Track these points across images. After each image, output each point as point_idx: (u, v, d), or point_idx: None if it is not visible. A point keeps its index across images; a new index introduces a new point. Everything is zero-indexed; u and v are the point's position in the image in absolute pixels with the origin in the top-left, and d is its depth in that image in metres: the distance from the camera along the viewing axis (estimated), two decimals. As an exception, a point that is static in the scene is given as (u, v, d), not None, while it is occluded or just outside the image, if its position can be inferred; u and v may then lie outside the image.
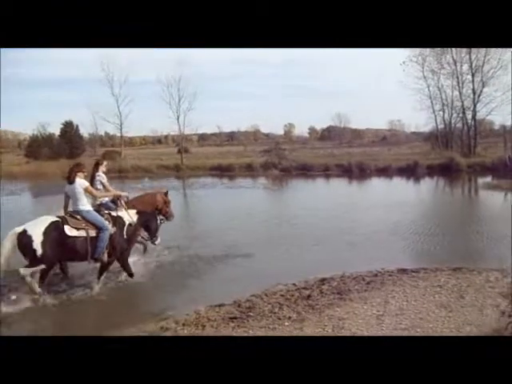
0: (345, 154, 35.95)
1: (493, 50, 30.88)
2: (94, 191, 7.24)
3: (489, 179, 21.83)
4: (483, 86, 31.67)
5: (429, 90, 33.74)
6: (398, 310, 5.60)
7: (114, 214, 7.21)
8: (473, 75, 31.89)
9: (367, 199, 17.49)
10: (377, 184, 24.16)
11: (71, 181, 6.85)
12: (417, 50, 33.24)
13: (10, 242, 6.34)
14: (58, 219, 6.60)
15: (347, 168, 27.90)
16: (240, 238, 10.30)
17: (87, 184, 6.99)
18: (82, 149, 44.59)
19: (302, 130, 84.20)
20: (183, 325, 5.52)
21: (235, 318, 5.69)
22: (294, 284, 6.95)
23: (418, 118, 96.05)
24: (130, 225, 7.24)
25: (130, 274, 7.27)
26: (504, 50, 30.07)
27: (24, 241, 6.32)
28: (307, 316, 5.61)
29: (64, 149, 41.27)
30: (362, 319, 5.36)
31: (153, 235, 7.67)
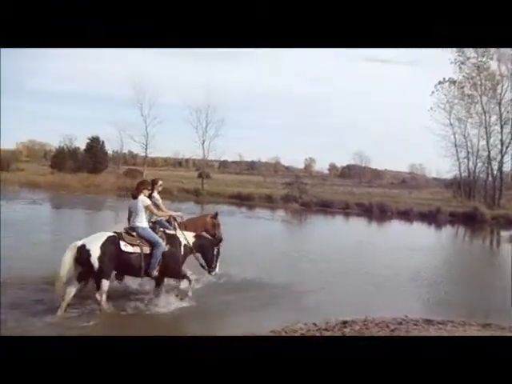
0: (365, 194, 35.81)
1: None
2: (155, 210, 7.41)
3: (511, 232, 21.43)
4: (512, 139, 31.48)
5: (454, 137, 33.79)
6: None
7: (169, 232, 7.48)
8: (501, 127, 31.79)
9: (387, 241, 17.25)
10: (397, 227, 23.89)
11: (135, 196, 7.20)
12: (445, 99, 33.42)
13: (69, 255, 6.62)
14: (114, 234, 6.89)
15: (368, 208, 27.71)
16: (258, 269, 10.15)
17: (149, 202, 7.26)
18: (106, 165, 45.12)
19: (322, 166, 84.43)
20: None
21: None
22: (315, 324, 6.75)
23: (440, 164, 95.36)
24: (185, 245, 7.46)
25: (185, 276, 7.51)
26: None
27: (83, 255, 6.60)
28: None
29: (88, 163, 41.82)
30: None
31: (209, 264, 7.76)
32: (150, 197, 7.68)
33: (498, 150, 32.14)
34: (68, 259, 6.61)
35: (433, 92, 33.96)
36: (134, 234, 7.04)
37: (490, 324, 7.03)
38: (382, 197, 32.60)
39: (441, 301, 8.81)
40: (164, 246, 7.15)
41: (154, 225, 7.47)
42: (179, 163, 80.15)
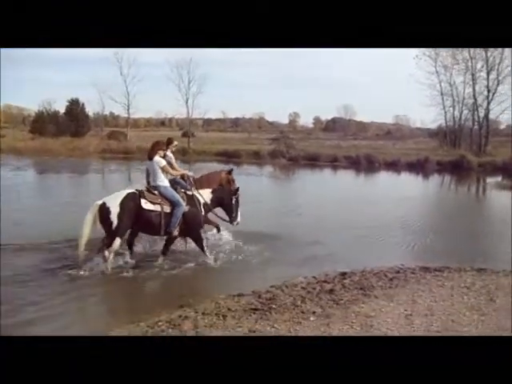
0: (351, 146, 35.79)
1: (507, 49, 30.60)
2: (170, 170, 7.49)
3: (499, 179, 21.69)
4: (498, 84, 31.46)
5: (440, 85, 33.61)
6: (426, 310, 5.44)
7: (189, 192, 7.56)
8: (488, 73, 31.62)
9: (375, 193, 17.35)
10: (385, 178, 24.03)
11: (150, 158, 7.26)
12: (431, 45, 32.94)
13: (91, 213, 6.81)
14: (135, 191, 7.02)
15: (355, 160, 27.76)
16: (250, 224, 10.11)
17: (164, 163, 7.29)
18: (88, 127, 44.24)
19: (306, 120, 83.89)
20: (203, 314, 5.36)
21: (256, 309, 5.54)
22: (314, 277, 6.79)
23: (425, 114, 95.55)
24: (204, 204, 7.61)
25: (204, 251, 7.53)
26: (522, 48, 29.89)
27: (103, 213, 6.76)
28: (332, 312, 5.45)
29: (69, 126, 40.90)
30: (390, 318, 5.19)
31: (230, 214, 7.93)
32: (164, 156, 7.66)
33: (484, 96, 32.13)
34: (90, 218, 6.80)
35: (418, 39, 33.43)
36: (156, 192, 7.16)
37: (485, 269, 7.16)
38: (368, 149, 32.62)
39: (432, 248, 8.90)
40: (185, 206, 7.26)
41: (175, 185, 7.57)
42: (162, 123, 78.92)
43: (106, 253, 6.83)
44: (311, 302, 5.74)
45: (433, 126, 38.61)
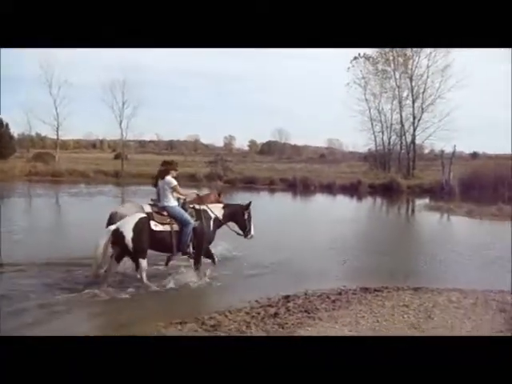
0: (287, 169, 36.38)
1: (431, 78, 32.93)
2: (181, 190, 7.61)
3: (427, 200, 22.85)
4: (422, 112, 33.61)
5: (370, 112, 35.30)
6: (370, 330, 5.51)
7: (198, 207, 7.77)
8: (413, 101, 33.68)
9: (313, 215, 17.64)
10: (321, 200, 24.56)
11: (162, 177, 7.50)
12: (360, 74, 34.62)
13: (105, 239, 7.03)
14: (145, 216, 7.23)
15: (292, 183, 28.22)
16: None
17: (175, 183, 7.46)
18: (13, 149, 41.79)
19: (241, 143, 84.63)
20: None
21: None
22: (257, 301, 6.72)
23: (357, 138, 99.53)
24: (216, 219, 7.84)
25: (214, 260, 7.97)
26: (443, 79, 32.29)
27: (118, 237, 7.01)
28: (278, 336, 5.36)
29: (-9, 148, 38.43)
30: (336, 340, 5.19)
31: (243, 229, 8.18)
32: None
33: (411, 122, 34.11)
34: (103, 243, 7.01)
35: (349, 68, 35.09)
36: (165, 213, 7.38)
37: (421, 287, 7.40)
38: (304, 172, 33.33)
39: (367, 268, 9.10)
40: (193, 222, 7.47)
41: (184, 203, 7.71)
42: (93, 145, 76.44)
43: (138, 274, 7.22)
44: (256, 327, 5.65)
45: (364, 149, 40.33)
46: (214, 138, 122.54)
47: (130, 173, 32.13)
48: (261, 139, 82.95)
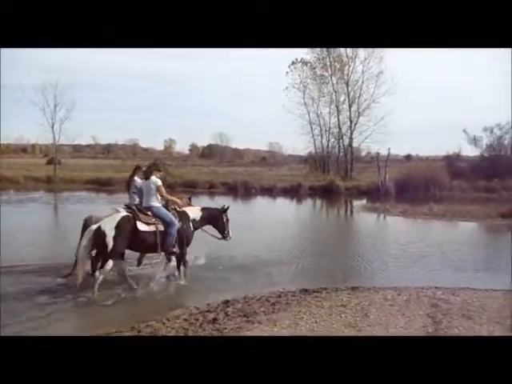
0: (228, 173, 36.30)
1: (366, 84, 34.09)
2: (164, 190, 7.61)
3: (364, 201, 23.54)
4: (359, 116, 34.71)
5: (309, 115, 35.88)
6: (309, 331, 5.52)
7: (179, 209, 7.87)
8: (350, 105, 34.75)
9: (253, 218, 17.65)
10: (262, 203, 24.67)
11: (147, 177, 7.55)
12: (299, 79, 35.21)
13: (87, 239, 6.96)
14: (129, 214, 7.21)
15: (233, 186, 28.19)
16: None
17: (160, 183, 7.53)
18: None
19: (182, 147, 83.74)
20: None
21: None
22: (197, 307, 6.59)
23: (297, 142, 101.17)
24: (193, 220, 8.01)
25: (184, 263, 7.93)
26: (377, 85, 33.56)
27: (99, 236, 6.88)
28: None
29: None
30: (275, 343, 5.15)
31: (221, 231, 8.46)
32: (130, 181, 8.31)
33: (348, 126, 35.08)
34: (86, 243, 6.95)
35: (287, 72, 35.58)
36: (149, 213, 7.39)
37: (358, 287, 7.55)
38: (245, 175, 33.38)
39: (307, 270, 9.19)
40: (178, 223, 7.56)
41: (167, 203, 7.82)
42: (23, 150, 72.75)
43: (97, 273, 6.95)
44: (194, 334, 5.52)
45: (304, 152, 41.02)
46: (153, 141, 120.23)
47: (64, 178, 30.78)
48: (202, 142, 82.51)
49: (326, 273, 8.92)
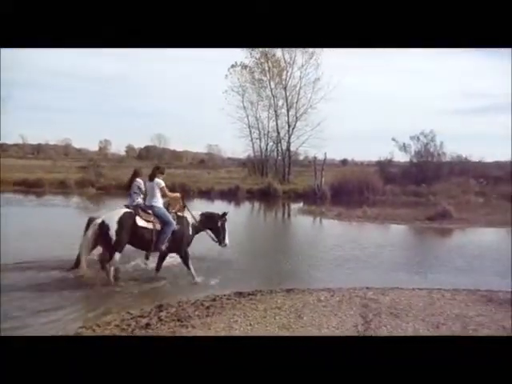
0: (166, 175, 35.44)
1: (303, 89, 34.79)
2: (167, 191, 8.19)
3: (301, 205, 23.94)
4: (296, 120, 35.28)
5: (248, 119, 36.11)
6: (242, 334, 5.49)
7: (180, 214, 8.29)
8: (288, 110, 35.31)
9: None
10: (198, 205, 24.42)
11: (151, 179, 8.07)
12: (238, 82, 35.32)
13: (91, 232, 7.54)
14: (130, 211, 7.82)
15: (170, 189, 27.58)
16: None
17: (163, 184, 8.12)
18: None
19: (118, 148, 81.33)
20: None
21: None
22: (129, 312, 6.40)
23: (235, 145, 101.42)
24: (193, 224, 8.36)
25: (188, 268, 8.23)
26: (314, 90, 34.36)
27: (103, 229, 7.47)
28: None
29: None
30: (208, 347, 5.08)
31: (218, 237, 8.67)
32: (131, 182, 8.91)
33: (286, 130, 35.67)
34: (90, 235, 7.53)
35: (226, 75, 35.58)
36: (150, 211, 7.94)
37: (293, 289, 7.63)
38: (183, 177, 32.94)
39: (245, 272, 9.16)
40: (175, 225, 7.99)
41: (168, 206, 8.33)
42: None
43: (108, 266, 7.64)
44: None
45: (243, 156, 41.19)
46: (87, 142, 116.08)
47: (-14, 178, 28.88)
48: (139, 144, 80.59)
49: (262, 275, 8.95)
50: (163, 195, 8.19)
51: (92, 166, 30.10)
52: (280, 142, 35.82)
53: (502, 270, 9.20)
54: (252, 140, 36.47)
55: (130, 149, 79.46)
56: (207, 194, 27.20)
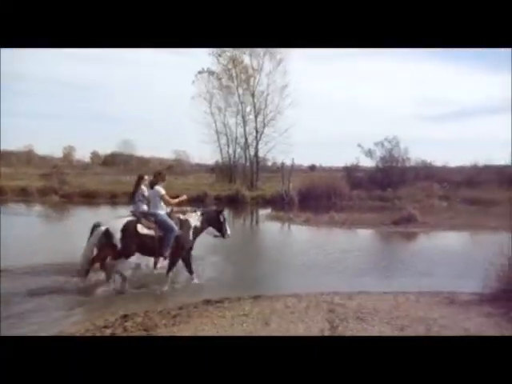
0: (132, 182, 34.91)
1: (271, 96, 34.97)
2: (168, 198, 8.29)
3: (269, 211, 23.97)
4: (264, 127, 35.38)
5: (215, 125, 36.04)
6: (210, 343, 5.41)
7: (182, 217, 8.48)
8: (255, 116, 35.41)
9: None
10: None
11: (152, 186, 8.28)
12: (205, 88, 35.21)
13: (94, 240, 7.81)
14: (133, 219, 8.00)
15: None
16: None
17: (163, 192, 8.24)
18: None
19: (83, 155, 79.58)
20: None
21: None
22: (93, 323, 6.26)
23: (203, 151, 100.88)
24: (195, 226, 8.55)
25: (191, 272, 8.61)
26: (282, 97, 34.58)
27: (107, 237, 7.69)
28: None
29: None
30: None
31: (220, 230, 8.92)
32: (136, 190, 9.16)
33: (254, 137, 35.73)
34: (93, 241, 7.83)
35: (193, 81, 35.44)
36: (152, 218, 8.07)
37: (261, 295, 7.61)
38: (150, 184, 32.42)
39: (212, 280, 9.07)
40: (177, 230, 8.14)
41: (171, 212, 8.43)
42: None
43: (109, 269, 7.95)
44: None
45: (211, 162, 41.04)
46: (51, 148, 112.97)
47: None
48: (105, 150, 79.04)
49: (230, 282, 8.89)
50: (165, 203, 8.28)
51: (55, 173, 29.32)
52: (248, 148, 35.95)
53: (464, 272, 9.43)
54: (220, 146, 36.51)
55: (95, 155, 77.91)
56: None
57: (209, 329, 5.92)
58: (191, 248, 8.65)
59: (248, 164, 36.15)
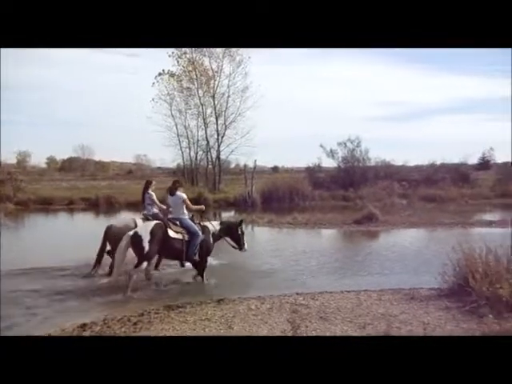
0: (90, 187, 34.24)
1: (232, 98, 34.87)
2: (189, 203, 8.66)
3: (232, 213, 23.84)
4: (226, 129, 35.18)
5: (176, 128, 35.50)
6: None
7: (203, 223, 8.92)
8: (216, 118, 35.12)
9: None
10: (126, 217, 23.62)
11: (172, 193, 8.56)
12: (165, 90, 34.69)
13: (124, 243, 7.94)
14: (161, 223, 8.23)
15: (94, 201, 26.71)
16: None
17: (185, 196, 8.59)
18: None
19: (38, 160, 77.05)
20: None
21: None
22: (49, 334, 5.96)
23: (165, 154, 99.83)
24: (213, 233, 8.92)
25: (202, 276, 8.79)
26: (243, 99, 34.53)
27: (136, 240, 7.87)
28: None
29: None
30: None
31: (238, 243, 9.29)
32: (144, 194, 9.63)
33: (215, 139, 35.42)
34: (123, 246, 7.93)
35: (153, 83, 34.85)
36: (178, 223, 8.39)
37: (224, 299, 7.50)
38: (110, 189, 31.81)
39: (174, 285, 8.86)
40: (202, 235, 8.48)
41: (192, 217, 8.78)
42: None
43: (132, 272, 7.96)
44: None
45: (172, 165, 40.46)
46: (4, 154, 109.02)
47: None
48: (61, 155, 76.87)
49: (192, 286, 8.73)
50: (186, 208, 8.60)
51: (9, 179, 28.21)
52: (210, 150, 35.57)
53: (424, 268, 9.62)
54: (181, 149, 35.96)
55: (51, 161, 75.69)
56: (135, 206, 26.38)
57: (170, 334, 5.79)
58: (209, 253, 8.99)
59: (210, 166, 35.85)
